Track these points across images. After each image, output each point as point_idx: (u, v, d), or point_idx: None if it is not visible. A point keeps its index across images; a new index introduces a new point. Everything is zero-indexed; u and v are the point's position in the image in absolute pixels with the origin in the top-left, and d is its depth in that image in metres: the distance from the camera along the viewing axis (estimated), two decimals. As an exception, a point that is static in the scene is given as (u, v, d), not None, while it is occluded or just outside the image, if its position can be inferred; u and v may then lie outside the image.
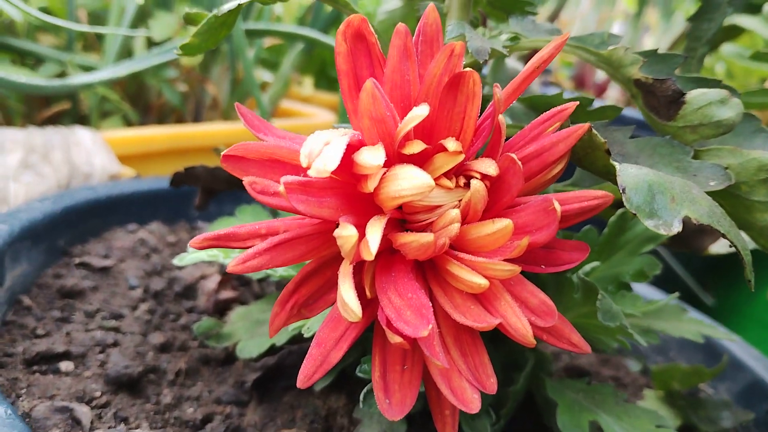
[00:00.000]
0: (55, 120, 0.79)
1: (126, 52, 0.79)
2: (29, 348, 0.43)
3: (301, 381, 0.27)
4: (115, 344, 0.46)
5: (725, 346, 0.59)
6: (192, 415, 0.41)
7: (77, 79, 0.63)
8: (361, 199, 0.28)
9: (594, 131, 0.27)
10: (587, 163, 0.30)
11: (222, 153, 0.26)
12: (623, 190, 0.26)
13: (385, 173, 0.27)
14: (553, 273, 0.38)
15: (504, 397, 0.40)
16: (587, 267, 0.42)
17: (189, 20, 0.36)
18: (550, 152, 0.28)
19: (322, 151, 0.25)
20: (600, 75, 1.14)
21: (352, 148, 0.27)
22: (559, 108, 0.28)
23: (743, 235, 0.44)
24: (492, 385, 0.27)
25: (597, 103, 0.37)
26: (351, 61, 0.29)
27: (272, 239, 0.27)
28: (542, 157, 0.28)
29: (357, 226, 0.27)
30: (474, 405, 0.26)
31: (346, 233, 0.25)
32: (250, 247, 0.29)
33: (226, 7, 0.33)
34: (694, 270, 0.95)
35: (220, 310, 0.55)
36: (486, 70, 0.57)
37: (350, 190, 0.27)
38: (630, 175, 0.27)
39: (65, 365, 0.42)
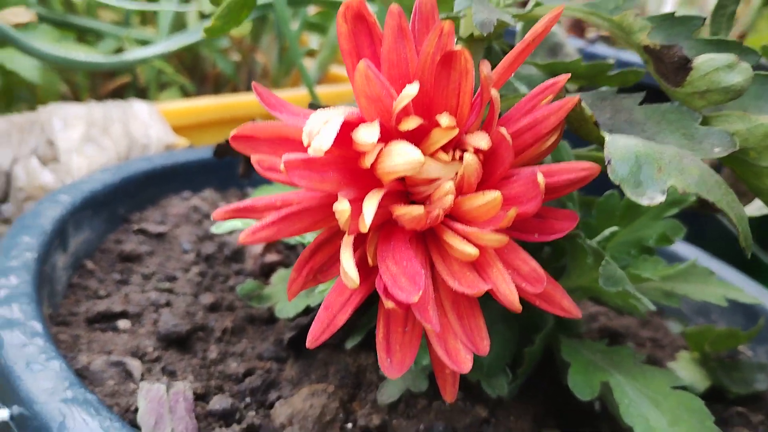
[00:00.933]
0: (118, 92, 0.84)
1: (180, 24, 0.83)
2: (91, 308, 0.47)
3: (310, 341, 0.30)
4: (168, 304, 0.50)
5: (769, 308, 0.58)
6: (235, 370, 0.45)
7: (132, 54, 0.67)
8: (362, 172, 0.29)
9: (582, 104, 0.28)
10: (583, 134, 0.31)
11: (230, 135, 0.29)
12: (609, 161, 0.27)
13: (382, 149, 0.28)
14: (569, 239, 0.40)
15: (522, 358, 0.42)
16: (607, 231, 0.43)
17: (213, 1, 0.38)
18: (542, 125, 0.29)
19: (321, 130, 0.27)
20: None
21: (351, 125, 0.29)
22: (551, 81, 0.29)
23: (755, 204, 0.43)
24: (485, 347, 0.29)
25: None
26: (353, 41, 0.30)
27: (280, 212, 0.29)
28: (535, 129, 0.29)
29: (358, 199, 0.29)
30: (466, 365, 0.28)
31: (341, 207, 0.27)
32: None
33: (244, -9, 0.35)
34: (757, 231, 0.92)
35: (266, 272, 0.58)
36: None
37: (352, 164, 0.29)
38: (618, 146, 0.27)
39: (123, 323, 0.47)
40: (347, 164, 0.29)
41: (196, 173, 0.66)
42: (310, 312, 0.49)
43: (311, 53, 1.01)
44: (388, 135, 0.29)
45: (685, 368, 0.52)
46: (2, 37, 0.57)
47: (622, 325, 0.61)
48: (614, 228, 0.42)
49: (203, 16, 0.84)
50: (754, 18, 1.04)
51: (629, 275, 0.42)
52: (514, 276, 0.29)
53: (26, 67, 0.63)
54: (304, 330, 0.47)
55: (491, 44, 0.43)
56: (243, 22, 0.38)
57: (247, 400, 0.42)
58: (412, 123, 0.29)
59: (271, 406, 0.41)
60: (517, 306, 0.27)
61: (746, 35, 1.03)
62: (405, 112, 0.29)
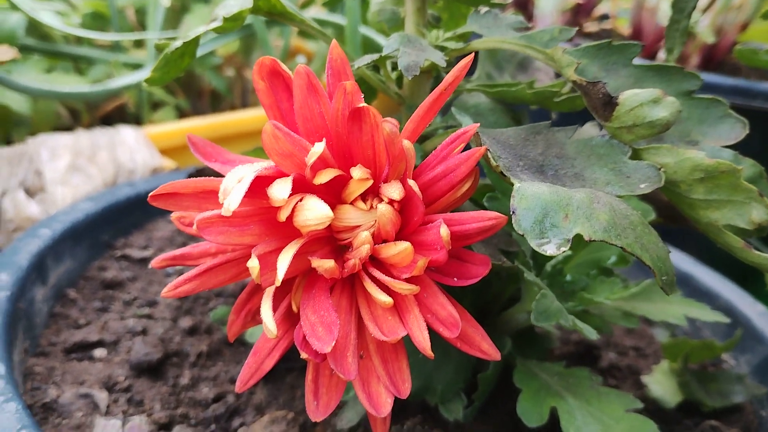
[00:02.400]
0: (116, 113, 0.86)
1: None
2: (69, 338, 0.49)
3: (239, 386, 0.31)
4: (144, 332, 0.52)
5: (753, 319, 0.57)
6: (205, 395, 0.46)
7: (119, 81, 0.69)
8: (282, 224, 0.30)
9: (488, 154, 0.28)
10: (501, 177, 0.31)
11: (149, 195, 0.30)
12: (513, 211, 0.27)
13: (297, 202, 0.29)
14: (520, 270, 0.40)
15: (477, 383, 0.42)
16: (560, 255, 0.43)
17: (158, 48, 0.40)
18: (455, 173, 0.29)
19: (233, 189, 0.28)
20: (662, 20, 1.07)
21: (267, 180, 0.29)
22: (461, 131, 0.30)
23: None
24: (406, 390, 0.30)
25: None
26: (272, 95, 0.31)
27: (201, 266, 0.30)
28: (449, 177, 0.30)
29: (277, 250, 0.30)
30: (385, 409, 0.29)
31: (252, 264, 0.28)
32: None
33: (177, 43, 0.36)
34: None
35: (247, 293, 0.60)
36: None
37: (272, 216, 0.30)
38: (525, 195, 0.28)
39: (99, 352, 0.49)
40: (267, 216, 0.30)
41: (182, 195, 0.68)
42: (277, 338, 0.50)
43: (308, 57, 1.02)
44: (305, 187, 0.30)
45: (659, 382, 0.52)
46: (-14, 75, 0.59)
47: (605, 336, 0.61)
48: (567, 252, 0.43)
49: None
50: (757, 5, 1.01)
51: (582, 300, 0.42)
52: (433, 320, 0.30)
53: (16, 100, 0.66)
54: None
55: (439, 73, 0.43)
56: (186, 68, 0.39)
57: (212, 427, 0.43)
58: (326, 176, 0.29)
59: (234, 433, 0.43)
60: (429, 353, 0.28)
61: (749, 24, 1.01)
62: (321, 165, 0.30)
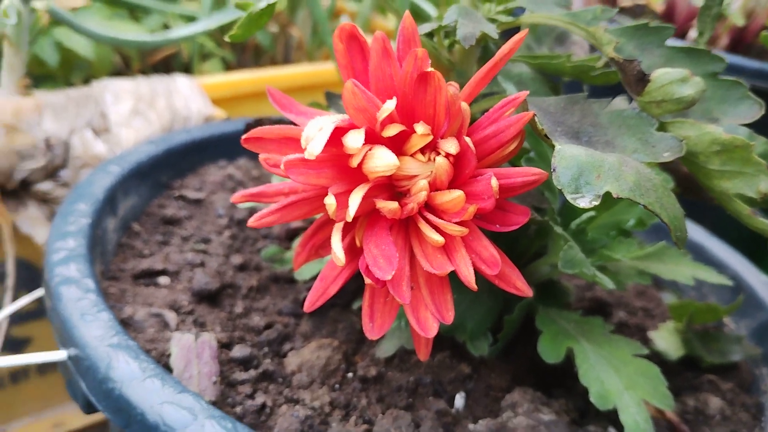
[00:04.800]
0: (165, 62, 0.91)
1: (222, 1, 0.89)
2: (136, 266, 0.55)
3: (307, 306, 0.37)
4: (202, 264, 0.57)
5: (756, 287, 0.62)
6: (257, 323, 0.52)
7: (176, 32, 0.73)
8: (352, 169, 0.35)
9: (535, 119, 0.33)
10: (541, 139, 0.36)
11: (242, 137, 0.35)
12: (554, 169, 0.32)
13: (367, 151, 0.34)
14: (549, 224, 0.45)
15: (502, 324, 0.48)
16: (584, 216, 0.48)
17: (239, 7, 0.44)
18: (504, 133, 0.34)
19: (315, 136, 0.33)
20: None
21: (342, 131, 0.34)
22: (512, 97, 0.34)
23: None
24: (450, 317, 0.35)
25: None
26: (348, 56, 0.36)
27: (282, 201, 0.35)
28: (498, 137, 0.34)
29: (348, 192, 0.35)
30: (432, 331, 0.35)
31: (328, 201, 0.33)
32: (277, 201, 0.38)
33: (262, 4, 0.40)
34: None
35: (291, 236, 0.65)
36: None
37: (344, 162, 0.35)
38: (564, 156, 0.32)
39: (163, 280, 0.55)
40: (340, 162, 0.35)
41: (231, 143, 0.73)
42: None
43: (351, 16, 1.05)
44: (374, 139, 0.35)
45: (663, 337, 0.57)
46: (59, 20, 0.64)
47: (617, 295, 0.66)
48: (591, 213, 0.47)
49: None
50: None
51: (602, 256, 0.47)
52: (476, 260, 0.35)
53: (81, 45, 0.70)
54: (317, 292, 0.54)
55: (487, 44, 0.47)
56: (264, 25, 0.44)
57: (265, 349, 0.49)
58: (393, 130, 0.34)
59: (285, 355, 0.49)
60: (473, 285, 0.33)
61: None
62: (389, 120, 0.34)
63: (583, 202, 0.32)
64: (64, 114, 0.66)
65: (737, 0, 1.02)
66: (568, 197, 0.32)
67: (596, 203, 0.32)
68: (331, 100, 0.51)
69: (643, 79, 0.37)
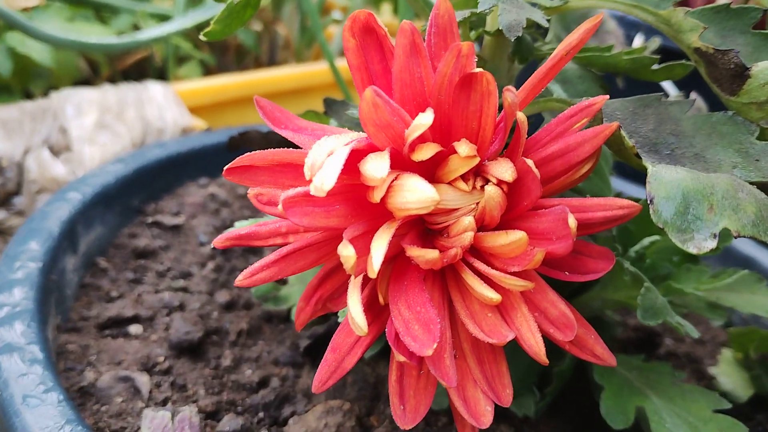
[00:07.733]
0: (138, 67, 0.81)
1: (198, -3, 0.80)
2: (102, 312, 0.46)
3: (316, 387, 0.28)
4: (181, 307, 0.48)
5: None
6: (249, 378, 0.43)
7: (146, 33, 0.64)
8: (372, 204, 0.27)
9: (622, 132, 0.24)
10: (623, 158, 0.27)
11: (224, 168, 0.26)
12: (651, 200, 0.23)
13: (392, 181, 0.25)
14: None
15: (551, 374, 0.39)
16: (646, 241, 0.39)
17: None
18: (575, 152, 0.25)
19: (324, 163, 0.24)
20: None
21: (359, 154, 0.26)
22: (585, 104, 0.26)
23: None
24: (507, 397, 0.26)
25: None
26: (362, 56, 0.27)
27: (280, 250, 0.27)
28: (567, 157, 0.26)
29: (367, 233, 0.26)
30: (486, 419, 0.26)
31: (345, 253, 0.24)
32: (272, 245, 0.29)
33: (244, -8, 0.32)
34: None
35: (285, 265, 0.56)
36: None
37: (361, 194, 0.27)
38: (663, 181, 0.24)
39: (134, 329, 0.46)
40: (355, 194, 0.26)
41: (213, 158, 0.64)
42: (327, 318, 0.47)
43: (338, 18, 0.96)
44: (400, 163, 0.26)
45: (727, 374, 0.49)
46: (9, 23, 0.55)
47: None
48: (654, 237, 0.39)
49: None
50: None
51: (670, 289, 0.39)
52: (542, 320, 0.26)
53: (37, 51, 0.61)
54: (320, 338, 0.45)
55: (522, 36, 0.39)
56: (249, 20, 0.35)
57: (260, 415, 0.40)
58: (427, 152, 0.25)
59: (285, 422, 0.40)
60: (543, 359, 0.25)
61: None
62: (420, 139, 0.26)
63: (693, 247, 0.23)
64: (18, 131, 0.56)
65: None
66: (674, 239, 0.23)
67: (711, 246, 0.23)
68: (332, 108, 0.42)
69: (741, 74, 0.29)
